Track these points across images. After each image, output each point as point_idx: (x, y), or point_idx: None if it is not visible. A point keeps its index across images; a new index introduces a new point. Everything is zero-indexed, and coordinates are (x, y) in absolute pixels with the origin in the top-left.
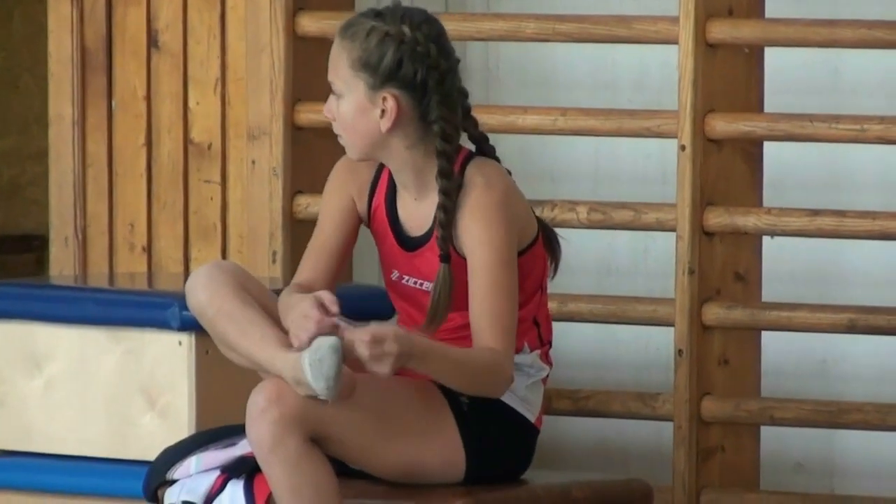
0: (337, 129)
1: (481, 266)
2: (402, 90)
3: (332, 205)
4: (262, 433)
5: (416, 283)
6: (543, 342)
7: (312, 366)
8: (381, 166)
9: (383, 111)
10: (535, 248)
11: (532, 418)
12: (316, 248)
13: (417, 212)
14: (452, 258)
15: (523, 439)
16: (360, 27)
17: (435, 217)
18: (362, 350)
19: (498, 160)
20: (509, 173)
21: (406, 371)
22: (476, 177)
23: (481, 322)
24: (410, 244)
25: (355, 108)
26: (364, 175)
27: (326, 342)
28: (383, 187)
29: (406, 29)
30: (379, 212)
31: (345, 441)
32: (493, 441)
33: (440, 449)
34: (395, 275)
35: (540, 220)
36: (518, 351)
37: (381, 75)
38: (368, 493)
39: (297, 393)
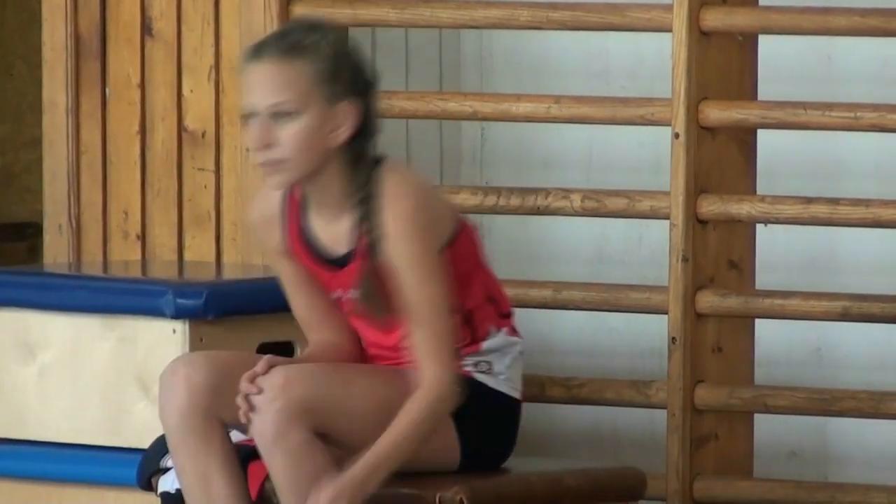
0: (275, 154)
1: (404, 280)
2: (359, 99)
3: (283, 274)
4: (265, 423)
5: (354, 294)
6: (504, 315)
7: None
8: (284, 201)
9: (339, 124)
10: (462, 234)
11: (516, 394)
12: (308, 310)
13: (336, 230)
14: (386, 272)
15: (512, 418)
16: (305, 41)
17: (360, 231)
18: None
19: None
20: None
21: (396, 362)
22: (387, 185)
23: (413, 343)
24: (337, 263)
25: (314, 123)
26: (270, 221)
27: None
28: (292, 221)
29: (345, 40)
30: (294, 242)
31: (347, 434)
32: (484, 425)
33: (435, 437)
34: (334, 295)
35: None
36: (485, 337)
37: (342, 86)
38: None
39: (303, 385)
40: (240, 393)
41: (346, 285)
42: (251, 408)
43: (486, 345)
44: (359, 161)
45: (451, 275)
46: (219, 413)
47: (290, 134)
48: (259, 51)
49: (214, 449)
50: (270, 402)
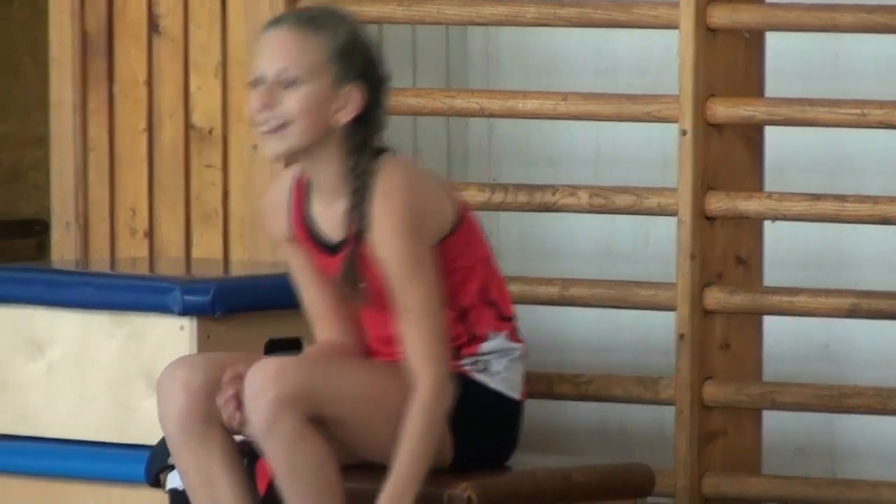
0: (277, 117)
1: (393, 276)
2: (367, 88)
3: (292, 263)
4: (259, 412)
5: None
6: (505, 319)
7: None
8: (291, 187)
9: (343, 105)
10: (462, 227)
11: (516, 395)
12: (320, 305)
13: (333, 215)
14: (372, 265)
15: (509, 418)
16: (330, 20)
17: (350, 219)
18: None
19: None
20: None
21: (391, 356)
22: (383, 178)
23: (404, 344)
24: (333, 248)
25: (319, 95)
26: (277, 210)
27: None
28: (296, 205)
29: (363, 31)
30: (298, 228)
31: (341, 422)
32: (479, 423)
33: None
34: (331, 281)
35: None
36: (482, 340)
37: (354, 70)
38: (366, 479)
39: (296, 372)
40: (223, 396)
41: (338, 272)
42: (238, 406)
43: (484, 346)
44: (359, 149)
45: (446, 269)
46: (218, 414)
47: (294, 100)
48: (279, 20)
49: (215, 450)
50: (263, 393)
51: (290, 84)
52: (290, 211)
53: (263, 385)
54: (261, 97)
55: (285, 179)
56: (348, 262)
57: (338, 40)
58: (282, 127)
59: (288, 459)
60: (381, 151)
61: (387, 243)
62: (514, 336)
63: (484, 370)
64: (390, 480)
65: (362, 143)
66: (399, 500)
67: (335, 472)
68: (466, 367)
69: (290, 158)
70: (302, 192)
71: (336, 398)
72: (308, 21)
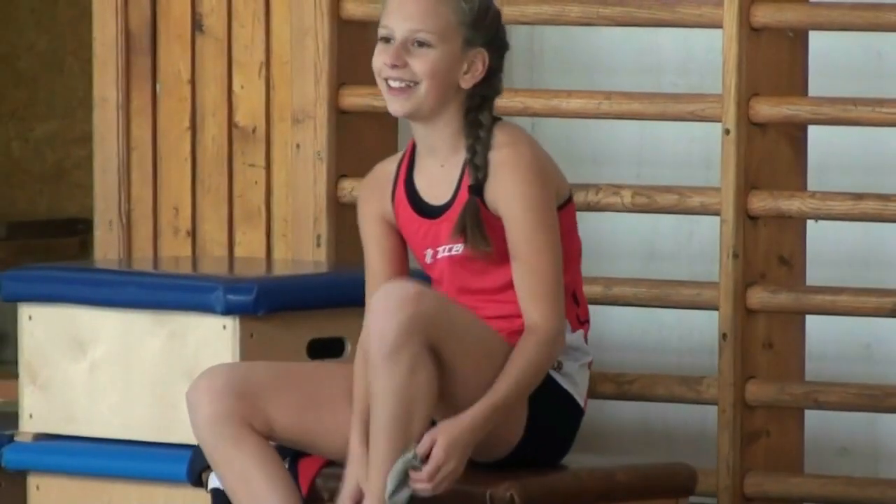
0: (406, 76)
1: (518, 223)
2: (492, 53)
3: (368, 234)
4: (388, 330)
5: (447, 249)
6: (582, 321)
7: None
8: (400, 162)
9: (468, 69)
10: (571, 207)
11: (580, 401)
12: (373, 274)
13: (442, 178)
14: (486, 218)
15: (570, 420)
16: None
17: (462, 170)
18: (426, 487)
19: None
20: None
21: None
22: (505, 136)
23: (521, 292)
24: (434, 212)
25: (448, 59)
26: (382, 183)
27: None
28: (402, 179)
29: (493, 1)
30: (401, 202)
31: (454, 360)
32: (546, 419)
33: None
34: (428, 256)
35: None
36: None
37: (482, 35)
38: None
39: (432, 297)
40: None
41: (449, 240)
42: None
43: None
44: (479, 110)
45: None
46: (247, 417)
47: (424, 61)
48: None
49: (248, 450)
50: (400, 310)
51: (420, 46)
52: (395, 182)
53: (401, 303)
54: (391, 55)
55: (394, 159)
56: (471, 213)
57: (469, 6)
58: (409, 87)
59: (402, 385)
60: (496, 118)
61: (515, 189)
62: (586, 340)
63: (558, 367)
64: (476, 408)
65: (481, 105)
66: (475, 432)
67: (433, 405)
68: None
69: (413, 118)
70: (407, 164)
71: (458, 333)
72: None
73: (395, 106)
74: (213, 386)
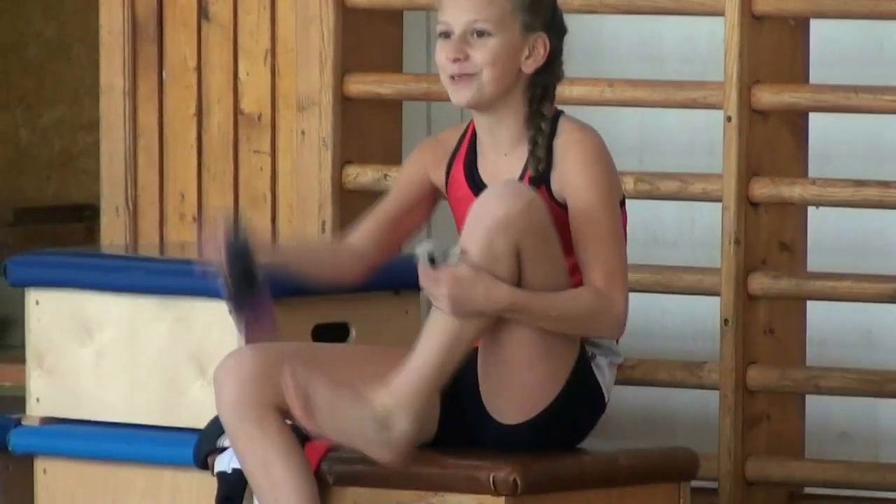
0: (468, 69)
1: (585, 206)
2: (552, 37)
3: (403, 178)
4: (481, 232)
5: None
6: None
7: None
8: (460, 142)
9: (530, 53)
10: (623, 208)
11: (606, 395)
12: (377, 214)
13: (504, 167)
14: (549, 204)
15: (595, 408)
16: None
17: (526, 161)
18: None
19: None
20: None
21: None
22: (571, 124)
23: (589, 266)
24: None
25: (508, 46)
26: (442, 149)
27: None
28: (462, 155)
29: None
30: (457, 177)
31: (536, 255)
32: (574, 398)
33: (547, 371)
34: None
35: None
36: None
37: (540, 19)
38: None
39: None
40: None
41: None
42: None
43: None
44: (542, 98)
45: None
46: (271, 400)
47: (484, 50)
48: None
49: (271, 435)
50: (492, 211)
51: (480, 34)
52: (451, 163)
53: (504, 199)
54: (452, 49)
55: (455, 133)
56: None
57: None
58: (472, 77)
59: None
60: (558, 112)
61: (584, 174)
62: (617, 341)
63: (592, 358)
64: (531, 293)
65: (544, 92)
66: (519, 309)
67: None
68: (588, 349)
69: (476, 107)
70: (466, 149)
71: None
72: None
73: (458, 96)
74: (241, 369)
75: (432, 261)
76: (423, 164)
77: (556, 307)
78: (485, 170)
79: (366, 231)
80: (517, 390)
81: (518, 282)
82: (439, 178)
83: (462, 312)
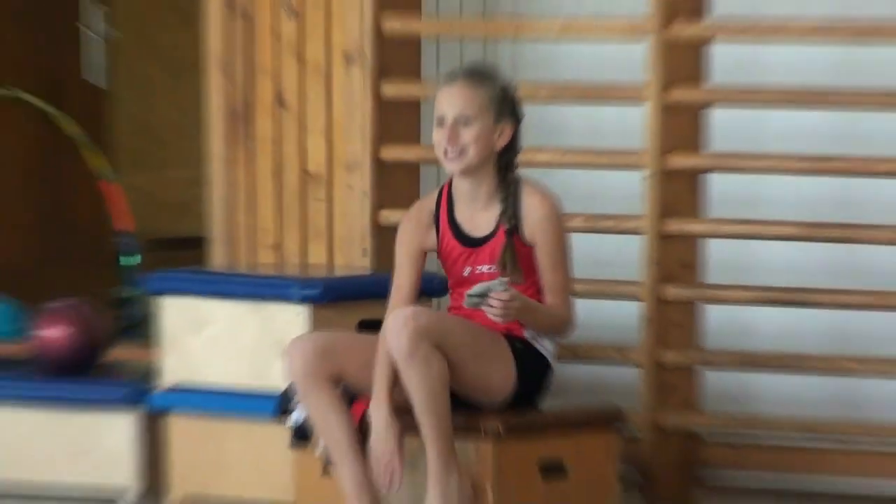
0: (457, 146)
1: (549, 249)
2: (514, 123)
3: (402, 255)
4: (402, 341)
5: (488, 268)
6: None
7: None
8: (438, 202)
9: (500, 135)
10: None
11: (552, 361)
12: (402, 290)
13: (482, 218)
14: (520, 248)
15: (547, 372)
16: (488, 77)
17: (499, 216)
18: (501, 305)
19: None
20: None
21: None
22: (532, 188)
23: (551, 290)
24: (477, 242)
25: (486, 129)
26: (425, 212)
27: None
28: (444, 210)
29: (510, 82)
30: (444, 230)
31: (456, 352)
32: (530, 372)
33: (503, 372)
34: (467, 271)
35: None
36: None
37: (506, 111)
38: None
39: (426, 312)
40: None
41: (490, 260)
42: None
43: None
44: (507, 168)
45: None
46: (327, 371)
47: (470, 133)
48: (453, 76)
49: (326, 395)
50: (405, 326)
51: (466, 122)
52: (437, 216)
53: (405, 321)
54: (447, 134)
55: (431, 198)
56: (507, 249)
57: (496, 89)
58: (462, 153)
59: (424, 376)
60: (518, 177)
61: (549, 231)
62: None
63: (534, 339)
64: (531, 301)
65: (509, 162)
66: (527, 305)
67: (447, 384)
68: (528, 336)
69: (464, 173)
70: (446, 205)
71: (452, 333)
72: (475, 76)
73: (452, 166)
74: (305, 347)
75: (486, 293)
76: (412, 235)
77: (547, 316)
78: (463, 218)
79: (406, 300)
80: (483, 384)
81: (457, 356)
82: (431, 239)
83: (515, 317)
